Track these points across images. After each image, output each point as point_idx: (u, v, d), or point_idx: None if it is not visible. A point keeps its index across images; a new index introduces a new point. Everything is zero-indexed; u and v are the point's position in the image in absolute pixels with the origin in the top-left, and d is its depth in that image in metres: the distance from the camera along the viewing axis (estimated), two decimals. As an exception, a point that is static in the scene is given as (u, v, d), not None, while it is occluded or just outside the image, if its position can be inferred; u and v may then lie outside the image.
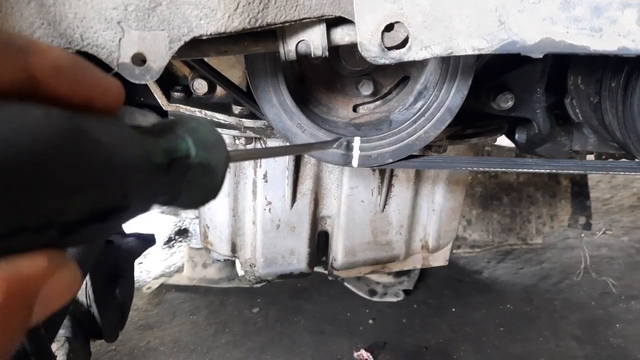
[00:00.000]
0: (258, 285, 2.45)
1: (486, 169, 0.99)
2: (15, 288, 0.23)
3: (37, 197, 0.23)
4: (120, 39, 0.67)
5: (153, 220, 2.88)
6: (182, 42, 0.68)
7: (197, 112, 1.11)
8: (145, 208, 0.31)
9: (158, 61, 0.68)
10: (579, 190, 2.46)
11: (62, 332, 1.10)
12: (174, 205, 0.35)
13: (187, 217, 3.04)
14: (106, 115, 0.30)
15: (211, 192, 0.35)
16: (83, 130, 0.26)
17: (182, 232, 2.97)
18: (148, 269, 2.65)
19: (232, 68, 1.09)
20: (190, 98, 1.13)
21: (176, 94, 1.12)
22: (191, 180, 0.33)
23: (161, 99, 1.12)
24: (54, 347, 1.08)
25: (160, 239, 2.88)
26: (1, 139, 0.22)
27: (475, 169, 0.98)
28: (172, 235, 2.93)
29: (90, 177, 0.26)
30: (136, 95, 1.26)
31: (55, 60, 0.27)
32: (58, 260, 0.25)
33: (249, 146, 1.16)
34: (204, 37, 0.68)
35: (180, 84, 1.13)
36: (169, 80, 1.14)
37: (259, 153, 0.89)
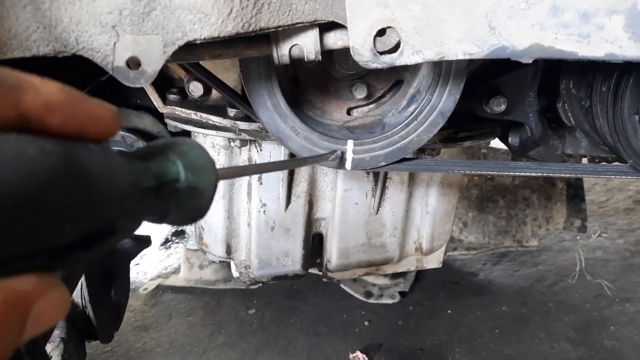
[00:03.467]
0: (254, 286, 2.45)
1: (479, 172, 1.00)
2: (9, 301, 0.25)
3: (31, 228, 0.24)
4: (115, 43, 0.68)
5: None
6: (176, 47, 0.69)
7: (193, 115, 1.12)
8: (133, 229, 0.33)
9: (152, 65, 0.69)
10: (575, 192, 2.47)
11: (57, 333, 1.11)
12: (161, 223, 0.36)
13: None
14: (100, 141, 0.31)
15: (198, 213, 0.36)
16: (75, 164, 0.27)
17: (179, 234, 2.97)
18: (144, 270, 2.65)
19: (227, 71, 1.09)
20: (185, 100, 1.13)
21: (172, 97, 1.13)
22: (179, 201, 0.34)
23: (157, 101, 1.13)
24: (49, 347, 1.08)
25: (157, 240, 2.89)
26: (0, 179, 0.23)
27: (468, 172, 0.99)
28: (169, 237, 2.93)
29: (81, 207, 0.27)
30: (132, 97, 1.27)
31: (48, 97, 0.28)
32: (48, 282, 0.27)
33: (244, 149, 1.17)
34: (198, 42, 0.69)
35: (176, 87, 1.14)
36: (164, 82, 1.15)
37: (248, 170, 0.90)
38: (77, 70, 1.15)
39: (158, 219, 0.35)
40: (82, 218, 0.27)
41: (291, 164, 1.01)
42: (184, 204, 0.35)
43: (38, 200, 0.24)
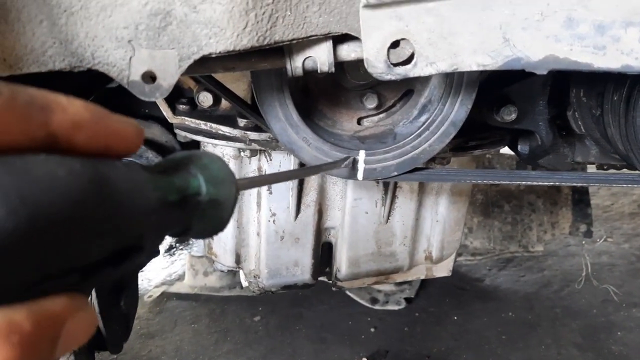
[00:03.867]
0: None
1: (490, 181, 1.00)
2: (42, 322, 0.25)
3: (62, 248, 0.25)
4: (130, 58, 0.68)
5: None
6: (191, 61, 0.69)
7: (202, 125, 1.12)
8: (158, 244, 0.34)
9: (168, 79, 0.69)
10: (580, 197, 2.47)
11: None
12: (183, 236, 0.37)
13: (188, 225, 3.04)
14: (124, 156, 0.32)
15: (219, 225, 0.37)
16: (104, 183, 0.28)
17: (183, 241, 2.97)
18: (149, 277, 2.65)
19: (237, 81, 1.10)
20: (195, 110, 1.14)
21: (181, 107, 1.13)
22: (201, 214, 0.35)
23: (166, 112, 1.13)
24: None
25: (162, 247, 2.88)
26: (32, 201, 0.24)
27: (480, 181, 0.99)
28: (173, 243, 2.93)
29: (110, 224, 0.28)
30: (141, 107, 1.27)
31: (75, 116, 0.28)
32: (78, 302, 0.27)
33: (254, 159, 1.17)
34: (213, 56, 0.69)
35: (186, 97, 1.14)
36: (174, 93, 1.14)
37: (267, 179, 0.91)
38: (83, 78, 1.16)
39: (180, 233, 0.36)
40: (111, 235, 0.28)
41: (306, 172, 1.02)
42: (206, 216, 0.35)
43: (69, 220, 0.25)
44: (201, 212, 0.35)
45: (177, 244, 2.93)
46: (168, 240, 2.95)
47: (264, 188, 1.20)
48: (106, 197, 0.27)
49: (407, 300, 2.45)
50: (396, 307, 2.42)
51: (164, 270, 2.71)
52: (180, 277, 2.63)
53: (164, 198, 0.32)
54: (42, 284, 0.25)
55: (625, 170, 1.26)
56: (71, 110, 0.28)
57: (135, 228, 0.30)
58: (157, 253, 1.44)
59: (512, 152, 2.05)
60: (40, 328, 0.25)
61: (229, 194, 0.36)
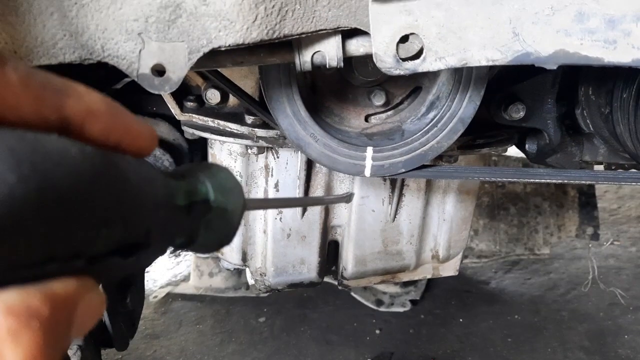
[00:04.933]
0: (265, 294, 2.45)
1: (498, 179, 1.00)
2: (57, 304, 0.25)
3: (69, 228, 0.25)
4: (140, 50, 0.68)
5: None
6: (201, 54, 0.69)
7: (210, 122, 1.12)
8: (164, 249, 0.33)
9: (177, 72, 0.69)
10: (587, 200, 2.46)
11: (75, 341, 1.10)
12: (189, 247, 0.36)
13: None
14: (136, 157, 0.31)
15: (226, 237, 0.37)
16: (115, 168, 0.28)
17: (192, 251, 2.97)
18: (154, 277, 2.65)
19: (244, 78, 1.10)
20: (202, 108, 1.14)
21: (189, 104, 1.13)
22: (208, 223, 0.35)
23: (174, 109, 1.13)
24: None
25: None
26: (43, 171, 0.23)
27: (487, 179, 0.99)
28: (178, 244, 2.93)
29: (118, 212, 0.27)
30: (148, 104, 1.28)
31: (90, 105, 0.29)
32: (87, 284, 0.27)
33: (261, 156, 1.17)
34: (223, 49, 0.69)
35: (193, 94, 1.14)
36: (182, 89, 1.15)
37: (275, 203, 0.93)
38: (91, 78, 1.16)
39: (186, 243, 0.36)
40: (119, 224, 0.27)
41: (311, 202, 1.09)
42: (213, 225, 0.35)
43: (77, 198, 0.25)
44: (208, 220, 0.34)
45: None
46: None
47: (271, 185, 1.20)
48: (116, 181, 0.27)
49: (413, 302, 2.44)
50: (401, 309, 2.41)
51: (170, 271, 2.71)
52: (186, 278, 2.63)
53: (172, 199, 0.32)
54: (47, 264, 0.24)
55: (633, 170, 1.25)
56: (87, 99, 0.29)
57: (143, 221, 0.29)
58: (163, 252, 1.44)
59: (519, 155, 2.04)
60: (57, 311, 0.24)
61: (236, 204, 0.36)
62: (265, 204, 0.84)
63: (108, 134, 0.30)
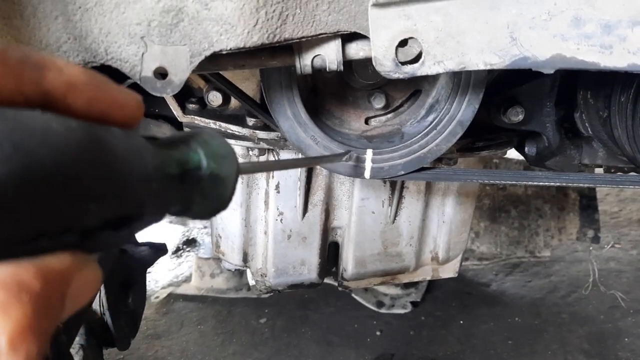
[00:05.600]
0: (266, 295, 2.46)
1: (497, 181, 1.00)
2: (50, 279, 0.25)
3: (58, 205, 0.25)
4: (143, 54, 0.69)
5: (161, 230, 2.90)
6: (202, 57, 0.70)
7: (212, 124, 1.13)
8: (158, 217, 0.33)
9: (179, 75, 0.70)
10: (588, 203, 2.46)
11: (77, 340, 1.12)
12: (186, 215, 0.36)
13: (195, 227, 3.06)
14: (124, 127, 0.31)
15: (222, 203, 0.36)
16: (100, 142, 0.27)
17: (190, 242, 2.98)
18: (156, 278, 2.66)
19: (246, 80, 1.11)
20: (204, 110, 1.15)
21: (191, 106, 1.14)
22: (203, 191, 0.34)
23: (176, 111, 1.14)
24: (68, 354, 1.09)
25: (169, 248, 2.89)
26: (26, 150, 0.23)
27: (486, 181, 1.00)
28: (180, 245, 2.94)
29: (107, 187, 0.27)
30: (151, 106, 1.29)
31: (71, 77, 0.28)
32: (81, 259, 0.27)
33: (262, 158, 1.18)
34: (224, 52, 0.70)
35: (195, 96, 1.15)
36: (184, 92, 1.16)
37: (269, 165, 0.91)
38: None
39: (182, 210, 0.35)
40: (108, 198, 0.27)
41: (308, 162, 1.03)
42: (207, 193, 0.34)
43: (63, 175, 0.25)
44: (202, 188, 0.34)
45: (184, 246, 2.94)
46: (175, 242, 2.96)
47: (272, 187, 1.21)
48: (102, 155, 0.27)
49: (413, 304, 2.44)
50: (402, 311, 2.41)
51: (171, 272, 2.73)
52: (187, 279, 2.64)
53: (164, 169, 0.32)
54: (38, 240, 0.25)
55: (632, 174, 1.25)
56: (67, 72, 0.28)
57: (134, 194, 0.29)
58: (164, 251, 1.45)
59: (520, 157, 2.05)
60: (49, 285, 0.25)
61: (230, 169, 0.35)
62: (260, 167, 0.82)
63: (92, 105, 0.29)
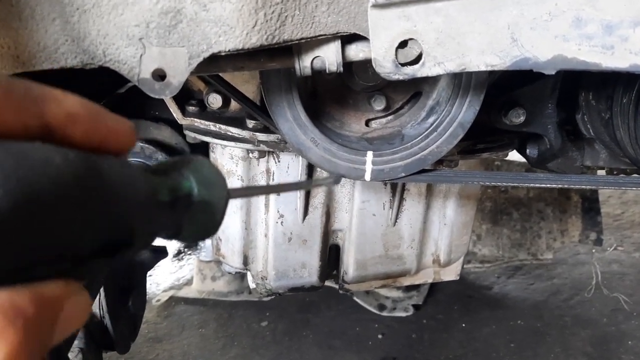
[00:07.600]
0: (267, 298, 2.45)
1: (498, 183, 1.00)
2: (41, 305, 0.26)
3: (53, 234, 0.26)
4: (141, 55, 0.69)
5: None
6: (201, 59, 0.69)
7: (212, 126, 1.13)
8: (148, 243, 0.34)
9: (178, 77, 0.70)
10: (590, 205, 2.45)
11: (76, 343, 1.11)
12: (176, 239, 0.37)
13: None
14: (119, 154, 0.32)
15: (211, 228, 0.37)
16: (97, 173, 0.29)
17: (191, 245, 2.98)
18: (157, 281, 2.66)
19: (246, 83, 1.10)
20: (204, 112, 1.15)
21: (191, 108, 1.14)
22: (193, 216, 0.35)
23: (176, 113, 1.14)
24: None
25: (170, 251, 2.89)
26: (26, 181, 0.24)
27: (487, 183, 0.99)
28: (181, 248, 2.94)
29: (101, 215, 0.28)
30: (151, 109, 1.29)
31: (70, 109, 0.29)
32: (72, 287, 0.28)
33: (262, 160, 1.17)
34: (223, 54, 0.70)
35: (195, 98, 1.15)
36: (183, 94, 1.16)
37: (259, 190, 0.94)
38: (95, 84, 1.17)
39: (172, 235, 0.36)
40: (103, 225, 0.28)
41: (299, 186, 1.08)
42: (197, 218, 0.36)
43: (62, 205, 0.26)
44: (192, 214, 0.35)
45: (186, 249, 2.94)
46: (176, 245, 2.96)
47: (272, 189, 1.20)
48: (99, 186, 0.28)
49: (415, 307, 2.43)
50: (404, 314, 2.41)
51: (172, 275, 2.72)
52: (189, 282, 2.64)
53: (156, 196, 0.33)
54: (34, 268, 0.26)
55: (635, 176, 1.25)
56: (65, 104, 0.29)
57: (127, 221, 0.30)
58: (165, 254, 1.44)
59: (522, 159, 2.04)
60: (41, 312, 0.25)
61: (220, 196, 0.36)
62: (250, 191, 0.84)
63: (89, 136, 0.30)
